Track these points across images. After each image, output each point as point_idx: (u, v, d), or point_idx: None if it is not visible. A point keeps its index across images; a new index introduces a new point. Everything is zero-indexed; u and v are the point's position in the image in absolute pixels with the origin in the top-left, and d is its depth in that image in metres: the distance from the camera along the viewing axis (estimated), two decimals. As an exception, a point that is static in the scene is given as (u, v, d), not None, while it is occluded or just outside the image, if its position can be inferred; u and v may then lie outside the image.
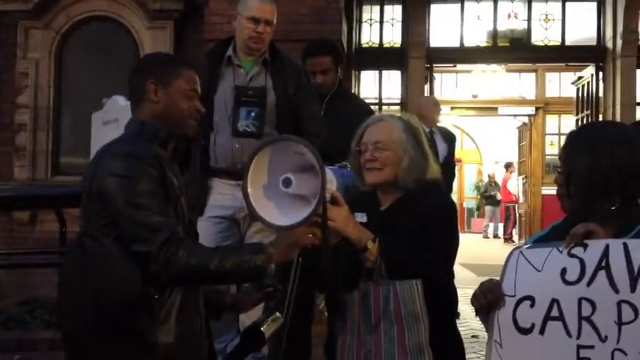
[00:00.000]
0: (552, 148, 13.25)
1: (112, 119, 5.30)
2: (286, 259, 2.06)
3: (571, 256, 1.86)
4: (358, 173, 2.53)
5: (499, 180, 17.68)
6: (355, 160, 2.53)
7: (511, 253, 1.96)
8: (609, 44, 8.33)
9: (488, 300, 1.93)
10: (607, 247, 1.82)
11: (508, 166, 16.56)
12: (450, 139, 6.34)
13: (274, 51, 3.74)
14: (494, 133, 19.46)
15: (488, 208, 17.79)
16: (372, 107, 5.61)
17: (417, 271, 2.27)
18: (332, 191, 2.06)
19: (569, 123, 11.71)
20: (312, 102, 3.74)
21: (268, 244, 2.06)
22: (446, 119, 12.77)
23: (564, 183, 2.00)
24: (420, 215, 2.36)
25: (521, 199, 14.26)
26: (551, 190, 12.09)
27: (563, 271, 1.85)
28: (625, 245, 1.81)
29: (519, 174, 14.88)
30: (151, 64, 2.31)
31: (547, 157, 13.24)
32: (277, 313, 2.15)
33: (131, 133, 2.21)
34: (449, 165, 6.13)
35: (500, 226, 17.36)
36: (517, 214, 14.96)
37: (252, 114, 3.58)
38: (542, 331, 1.85)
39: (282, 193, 1.89)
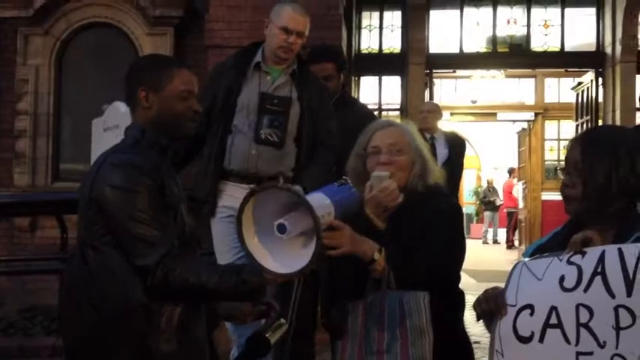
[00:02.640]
0: (552, 154, 13.25)
1: (112, 125, 5.30)
2: (286, 280, 2.03)
3: (570, 263, 1.86)
4: (357, 177, 2.45)
5: (498, 186, 17.68)
6: (359, 164, 2.49)
7: (515, 265, 1.96)
8: (608, 50, 8.35)
9: (489, 307, 1.94)
10: (603, 253, 1.83)
11: (511, 171, 16.53)
12: (452, 145, 6.24)
13: (300, 63, 3.75)
14: (493, 139, 19.47)
15: (487, 214, 17.80)
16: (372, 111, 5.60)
17: (427, 277, 2.26)
18: (329, 221, 1.99)
19: (568, 128, 11.72)
20: (331, 117, 3.74)
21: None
22: (445, 125, 12.76)
23: (574, 185, 1.98)
24: (427, 220, 2.35)
25: (520, 205, 14.26)
26: (551, 196, 12.10)
27: (562, 279, 1.85)
28: (620, 250, 1.81)
29: (518, 179, 14.88)
30: (141, 69, 2.29)
31: (547, 162, 13.23)
32: (282, 320, 2.15)
33: (131, 139, 2.21)
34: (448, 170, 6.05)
35: (500, 231, 17.37)
36: (518, 220, 14.96)
37: (276, 123, 3.59)
38: (541, 339, 1.85)
39: (279, 239, 1.85)
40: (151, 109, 2.19)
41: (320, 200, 1.91)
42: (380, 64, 8.46)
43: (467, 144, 6.58)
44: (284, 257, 1.85)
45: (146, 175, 2.05)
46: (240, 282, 1.99)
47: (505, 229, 16.72)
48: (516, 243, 15.04)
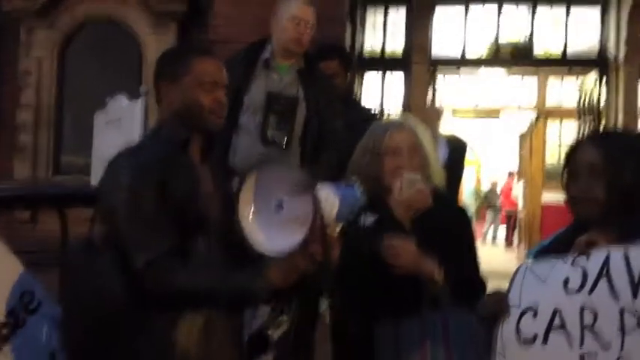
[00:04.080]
0: (553, 156, 13.25)
1: (114, 119, 5.31)
2: (287, 284, 1.91)
3: (574, 265, 1.86)
4: (367, 177, 2.41)
5: (498, 187, 17.66)
6: (374, 163, 2.45)
7: (519, 267, 1.96)
8: (612, 52, 8.34)
9: (493, 309, 1.93)
10: (608, 255, 1.83)
11: (511, 172, 16.54)
12: (458, 147, 6.19)
13: (308, 61, 3.72)
14: (494, 139, 19.46)
15: (489, 213, 17.78)
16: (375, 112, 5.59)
17: (472, 291, 2.24)
18: (330, 220, 1.88)
19: (569, 130, 11.71)
20: (338, 118, 3.71)
21: (268, 269, 1.94)
22: (447, 125, 12.71)
23: (591, 188, 1.96)
24: (449, 224, 2.35)
25: (520, 206, 14.26)
26: (551, 197, 12.08)
27: (566, 281, 1.85)
28: (626, 253, 1.81)
29: (518, 180, 14.88)
30: (162, 63, 2.21)
31: (548, 164, 13.21)
32: (283, 316, 2.14)
33: (150, 134, 2.17)
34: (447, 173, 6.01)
35: (500, 230, 17.38)
36: (517, 221, 14.96)
37: (282, 124, 3.56)
38: (545, 342, 1.84)
39: (276, 218, 1.82)
40: (172, 102, 2.12)
41: (327, 192, 1.87)
42: (383, 63, 8.44)
43: (468, 146, 6.54)
44: (279, 236, 1.81)
45: (146, 174, 1.99)
46: (238, 286, 1.94)
47: (504, 228, 16.74)
48: (515, 243, 15.05)
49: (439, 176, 2.53)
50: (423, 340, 2.21)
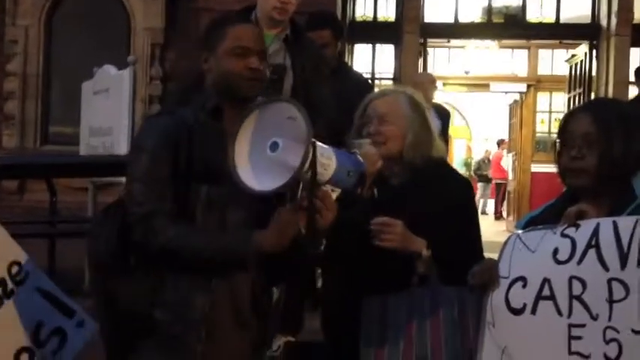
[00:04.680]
0: (543, 126, 13.27)
1: (102, 89, 5.26)
2: (277, 248, 1.88)
3: (563, 236, 1.86)
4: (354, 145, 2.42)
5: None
6: (357, 136, 2.45)
7: (509, 238, 1.96)
8: (604, 22, 8.31)
9: (483, 279, 1.94)
10: (597, 225, 1.83)
11: (500, 142, 16.55)
12: (443, 115, 6.31)
13: (295, 29, 3.67)
14: (484, 110, 19.45)
15: (480, 185, 17.85)
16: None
17: (464, 266, 2.17)
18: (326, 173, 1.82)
19: (560, 101, 11.71)
20: (325, 85, 3.66)
21: (257, 233, 1.91)
22: (437, 95, 12.70)
23: (583, 157, 1.94)
24: (447, 199, 2.32)
25: (510, 176, 14.30)
26: (540, 168, 12.12)
27: (555, 251, 1.86)
28: (614, 223, 1.82)
29: (509, 151, 14.90)
30: (205, 33, 2.22)
31: (537, 134, 13.24)
32: (273, 288, 2.13)
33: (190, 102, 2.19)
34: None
35: (490, 203, 17.45)
36: (506, 192, 15.02)
37: (270, 91, 3.52)
38: (533, 311, 1.85)
39: (268, 158, 1.77)
40: (211, 71, 2.13)
41: (325, 151, 1.81)
42: (374, 32, 8.39)
43: (455, 114, 6.65)
44: (267, 176, 1.75)
45: (161, 135, 2.01)
46: (228, 247, 1.93)
47: (493, 201, 16.81)
48: (504, 214, 15.13)
49: (440, 147, 2.50)
50: (409, 316, 2.20)
